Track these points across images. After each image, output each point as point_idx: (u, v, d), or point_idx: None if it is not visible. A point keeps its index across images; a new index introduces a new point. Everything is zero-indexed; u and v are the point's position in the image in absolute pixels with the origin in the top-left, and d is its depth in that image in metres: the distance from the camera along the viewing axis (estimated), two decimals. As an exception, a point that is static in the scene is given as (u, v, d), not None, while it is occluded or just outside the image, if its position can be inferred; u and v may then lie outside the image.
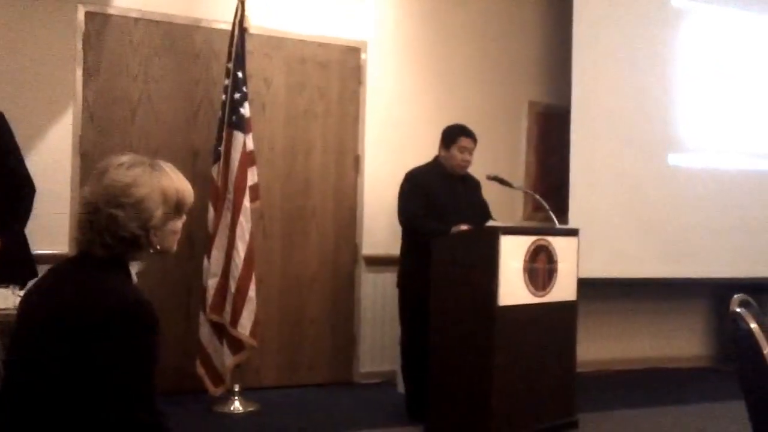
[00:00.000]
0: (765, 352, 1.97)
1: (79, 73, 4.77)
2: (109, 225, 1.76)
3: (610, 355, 6.24)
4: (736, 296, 2.30)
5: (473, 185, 4.82)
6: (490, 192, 4.92)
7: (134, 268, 1.86)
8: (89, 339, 1.65)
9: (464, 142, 4.61)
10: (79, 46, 4.77)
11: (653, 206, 5.99)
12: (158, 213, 1.80)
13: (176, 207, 1.86)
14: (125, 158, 1.84)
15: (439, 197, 4.56)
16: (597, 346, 6.06)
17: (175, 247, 1.91)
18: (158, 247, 1.85)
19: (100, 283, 1.74)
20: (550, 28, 6.22)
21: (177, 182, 1.87)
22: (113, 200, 1.76)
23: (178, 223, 1.89)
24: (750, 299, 2.30)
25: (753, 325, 2.02)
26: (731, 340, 2.27)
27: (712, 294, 6.64)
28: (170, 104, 5.02)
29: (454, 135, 4.64)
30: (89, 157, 4.71)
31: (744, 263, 6.21)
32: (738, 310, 2.14)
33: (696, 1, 6.16)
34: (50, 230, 4.51)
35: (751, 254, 6.24)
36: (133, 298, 1.74)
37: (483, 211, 4.74)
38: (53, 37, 4.71)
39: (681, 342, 6.61)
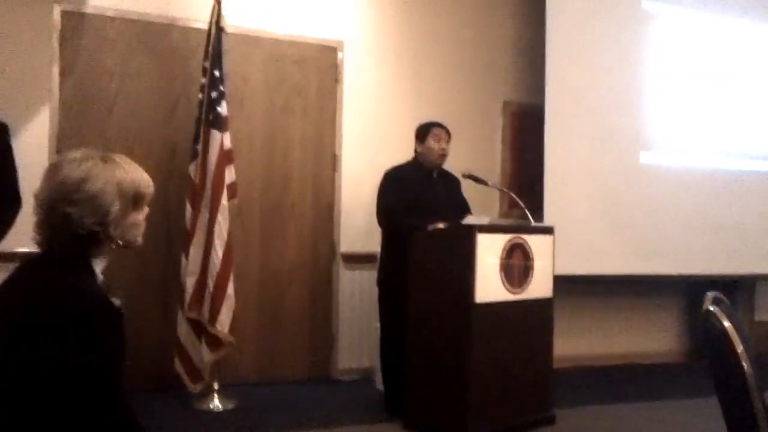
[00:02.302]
0: (739, 350, 1.99)
1: (55, 71, 4.76)
2: (65, 223, 1.72)
3: (585, 351, 6.31)
4: (709, 294, 2.32)
5: (452, 183, 4.86)
6: (466, 190, 4.96)
7: (98, 266, 1.81)
8: (47, 339, 1.62)
9: (437, 131, 4.68)
10: (56, 44, 4.76)
11: (626, 204, 6.07)
12: (115, 207, 1.75)
13: (134, 199, 1.81)
14: (77, 154, 1.79)
15: (418, 195, 4.59)
16: (573, 343, 6.13)
17: (140, 240, 1.87)
18: (120, 242, 1.80)
19: (58, 282, 1.70)
20: (524, 28, 6.28)
21: (132, 173, 1.81)
22: (67, 197, 1.72)
23: (139, 215, 1.84)
24: (723, 297, 2.34)
25: (727, 324, 2.02)
26: (704, 337, 2.31)
27: (686, 291, 6.74)
28: (147, 102, 5.01)
29: (426, 127, 4.72)
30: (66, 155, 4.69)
31: (716, 260, 6.31)
32: (711, 308, 2.16)
33: (666, 4, 6.24)
34: (25, 228, 4.48)
35: (722, 251, 6.34)
36: (90, 296, 1.69)
37: (462, 209, 4.78)
38: (30, 37, 4.70)
39: (655, 338, 6.70)
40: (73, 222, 1.72)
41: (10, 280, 1.78)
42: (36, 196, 1.77)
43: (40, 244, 1.78)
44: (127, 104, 4.96)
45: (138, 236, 1.86)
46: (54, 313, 1.64)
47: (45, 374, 1.63)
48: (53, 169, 1.78)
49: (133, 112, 4.97)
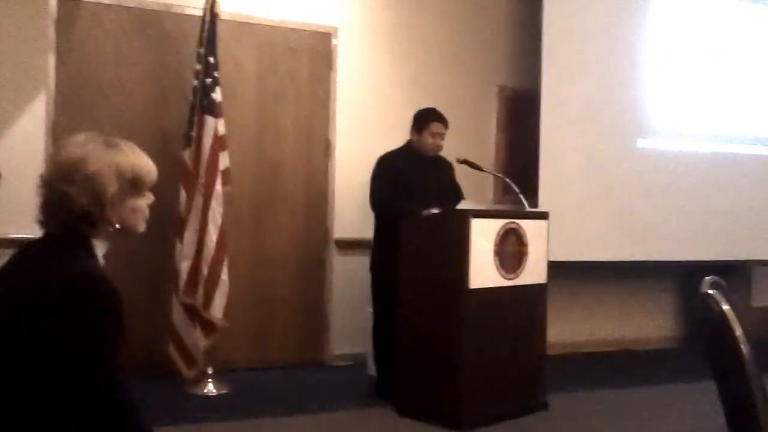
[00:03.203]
0: (737, 334, 1.99)
1: (51, 58, 4.74)
2: (62, 201, 1.73)
3: (579, 337, 6.33)
4: (707, 278, 2.33)
5: (445, 168, 4.84)
6: (460, 175, 4.95)
7: (100, 249, 1.82)
8: (45, 318, 1.64)
9: (435, 127, 4.64)
10: (51, 31, 4.74)
11: (622, 189, 6.07)
12: (111, 189, 1.76)
13: (132, 183, 1.81)
14: (81, 136, 1.81)
15: (410, 180, 4.59)
16: (567, 329, 6.15)
17: (141, 227, 1.87)
18: (118, 226, 1.81)
19: (60, 262, 1.72)
20: (519, 13, 6.25)
21: (133, 158, 1.82)
22: (65, 177, 1.73)
23: (140, 202, 1.84)
24: (721, 281, 2.34)
25: (725, 307, 2.02)
26: (701, 321, 2.31)
27: (680, 276, 6.75)
28: (142, 88, 5.00)
29: (425, 120, 4.66)
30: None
31: (711, 246, 6.31)
32: (709, 291, 2.16)
33: (664, -14, 6.22)
34: (22, 214, 4.46)
35: (718, 237, 6.33)
36: (87, 274, 1.71)
37: (455, 194, 4.78)
38: (25, 24, 4.68)
39: (649, 323, 6.72)
40: (69, 201, 1.73)
41: (13, 261, 1.80)
42: (41, 176, 1.79)
43: (42, 223, 1.80)
44: (122, 91, 4.94)
45: (139, 223, 1.87)
46: (55, 292, 1.66)
47: (46, 353, 1.64)
48: (56, 149, 1.81)
49: (128, 99, 4.96)
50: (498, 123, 6.24)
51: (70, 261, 1.72)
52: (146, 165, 1.86)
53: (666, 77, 6.21)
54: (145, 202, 1.86)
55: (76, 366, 1.65)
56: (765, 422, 1.96)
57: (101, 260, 1.83)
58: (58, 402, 1.65)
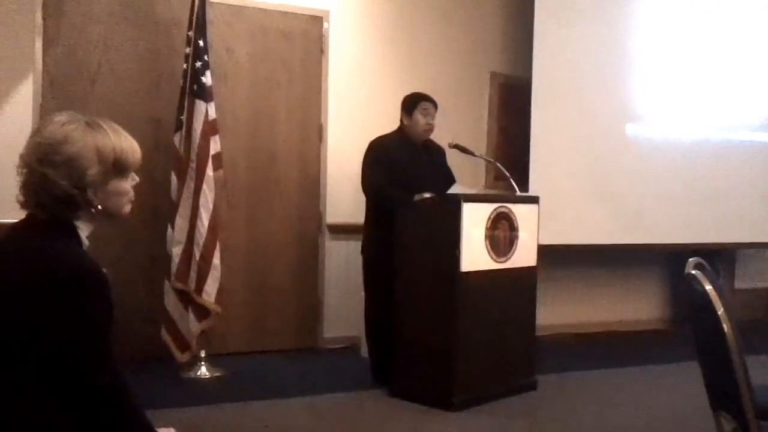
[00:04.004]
0: (719, 312, 2.03)
1: (38, 43, 4.72)
2: (43, 184, 1.71)
3: (568, 319, 6.39)
4: (691, 259, 2.38)
5: (437, 153, 4.86)
6: (453, 161, 4.97)
7: (84, 231, 1.79)
8: (36, 306, 1.63)
9: (425, 105, 4.66)
10: (39, 16, 4.71)
11: (611, 175, 6.11)
12: (92, 171, 1.73)
13: (115, 166, 1.77)
14: (61, 117, 1.77)
15: (402, 165, 4.61)
16: (556, 311, 6.21)
17: (126, 210, 1.84)
18: (100, 208, 1.77)
19: (44, 248, 1.70)
20: (512, 0, 6.26)
21: (115, 140, 1.78)
22: (44, 158, 1.71)
23: (123, 184, 1.81)
24: (704, 262, 2.39)
25: (708, 287, 2.06)
26: (686, 302, 2.35)
27: (668, 260, 6.81)
28: (131, 73, 4.98)
29: (414, 101, 4.69)
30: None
31: (698, 230, 6.38)
32: (693, 272, 2.20)
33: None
34: (11, 199, 4.47)
35: (704, 221, 6.41)
36: (78, 262, 1.70)
37: (447, 179, 4.80)
38: (12, 8, 4.65)
39: (637, 306, 6.79)
40: (49, 184, 1.71)
41: None
42: (21, 156, 1.76)
43: (23, 204, 1.77)
44: (111, 76, 4.92)
45: (123, 205, 1.83)
46: (41, 277, 1.65)
47: (37, 342, 1.64)
48: (37, 130, 1.78)
49: (117, 84, 4.94)
50: (490, 109, 6.26)
51: (56, 250, 1.70)
52: (129, 146, 1.82)
53: (655, 65, 6.24)
54: (129, 184, 1.84)
55: (69, 353, 1.65)
56: (747, 400, 2.00)
57: (86, 242, 1.80)
58: (50, 388, 1.66)
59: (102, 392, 1.68)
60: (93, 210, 1.77)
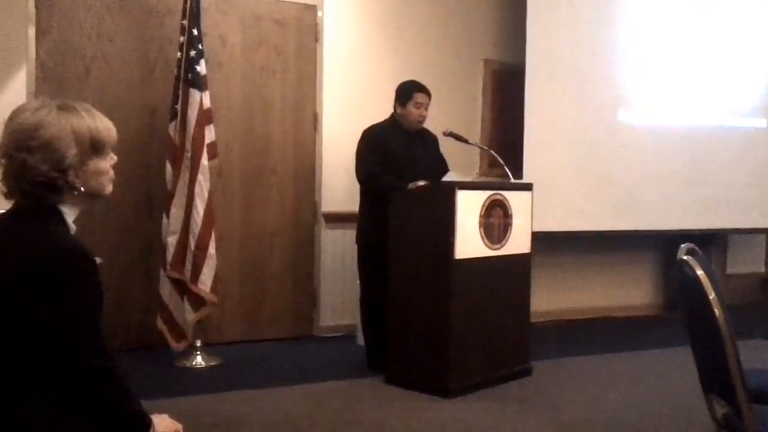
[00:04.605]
0: (711, 297, 2.04)
1: (31, 31, 4.70)
2: (23, 171, 1.72)
3: (562, 305, 6.43)
4: (683, 245, 2.40)
5: (430, 141, 4.88)
6: (447, 148, 4.99)
7: (70, 216, 1.81)
8: (27, 291, 1.66)
9: (419, 97, 4.67)
10: (31, 5, 4.69)
11: (604, 161, 6.14)
12: (71, 153, 1.74)
13: (92, 145, 1.79)
14: (33, 102, 1.79)
15: (396, 153, 4.62)
16: (550, 297, 6.25)
17: (107, 190, 1.86)
18: (83, 189, 1.79)
19: (31, 233, 1.71)
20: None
21: (89, 121, 1.79)
22: (21, 144, 1.72)
23: (102, 163, 1.82)
24: (696, 248, 2.41)
25: (700, 272, 2.08)
26: (678, 286, 2.37)
27: (660, 246, 6.86)
28: (125, 62, 4.97)
29: (409, 91, 4.69)
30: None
31: (690, 215, 6.43)
32: (685, 257, 2.22)
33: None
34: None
35: (697, 206, 6.45)
36: (66, 245, 1.72)
37: (440, 167, 4.81)
38: (5, -4, 4.63)
39: (630, 292, 6.84)
40: (29, 170, 1.73)
41: None
42: None
43: (6, 195, 1.79)
44: (104, 65, 4.91)
45: (105, 185, 1.85)
46: (31, 268, 1.67)
47: (27, 326, 1.66)
48: (10, 118, 1.78)
49: (110, 73, 4.93)
50: (484, 96, 6.27)
51: (43, 235, 1.72)
52: (104, 126, 1.83)
53: (648, 51, 6.26)
54: (108, 163, 1.85)
55: (59, 336, 1.67)
56: (738, 383, 2.02)
57: (72, 227, 1.82)
58: (42, 372, 1.68)
59: (93, 374, 1.71)
60: (76, 192, 1.79)
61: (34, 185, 1.73)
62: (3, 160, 1.76)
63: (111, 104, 4.84)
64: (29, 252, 1.68)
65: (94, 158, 1.80)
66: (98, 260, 1.77)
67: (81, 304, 1.70)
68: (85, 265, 1.71)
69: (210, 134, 4.69)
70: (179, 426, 1.92)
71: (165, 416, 1.91)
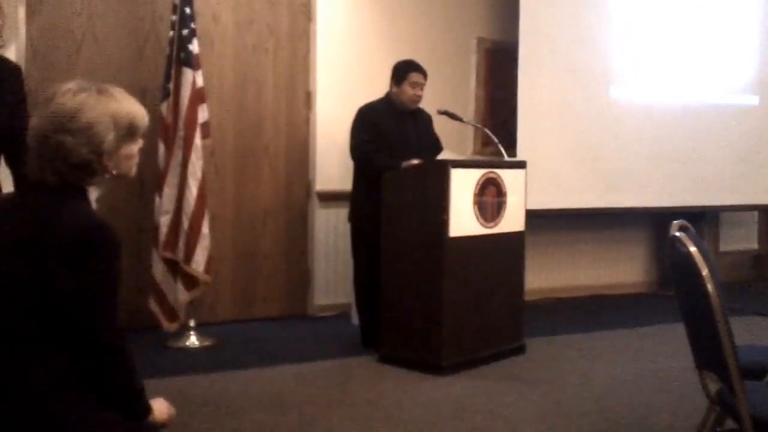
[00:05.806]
0: (703, 274, 2.05)
1: (22, 10, 4.65)
2: (59, 152, 1.74)
3: (555, 283, 6.45)
4: (675, 222, 2.41)
5: (424, 120, 4.86)
6: (440, 127, 4.98)
7: (93, 195, 1.84)
8: (54, 265, 1.67)
9: (415, 77, 4.65)
10: (21, -18, 4.65)
11: (596, 138, 6.14)
12: (109, 137, 1.78)
13: (128, 130, 1.83)
14: (71, 85, 1.81)
15: (390, 132, 4.61)
16: (544, 275, 6.26)
17: (133, 172, 1.91)
18: (114, 172, 1.83)
19: (60, 209, 1.73)
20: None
21: (126, 105, 1.84)
22: (60, 127, 1.74)
23: (133, 147, 1.87)
24: (689, 225, 2.42)
25: (692, 249, 2.09)
26: (670, 262, 2.38)
27: (652, 223, 6.87)
28: (116, 41, 4.93)
29: (404, 71, 4.67)
30: (34, 95, 4.61)
31: (683, 192, 6.45)
32: (677, 234, 2.23)
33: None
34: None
35: (689, 184, 6.48)
36: (97, 222, 1.74)
37: (434, 146, 4.81)
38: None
39: (623, 269, 6.86)
40: (67, 151, 1.75)
41: (6, 212, 1.81)
42: (31, 127, 1.79)
43: (31, 173, 1.80)
44: (95, 44, 4.87)
45: (132, 168, 1.90)
46: (61, 238, 1.68)
47: (52, 299, 1.67)
48: (47, 100, 1.79)
49: (101, 52, 4.89)
50: (477, 74, 6.25)
51: (73, 211, 1.74)
52: (139, 111, 1.88)
53: (640, 29, 6.25)
54: (137, 147, 1.89)
55: (81, 311, 1.69)
56: (731, 360, 2.04)
57: (94, 205, 1.85)
58: (55, 344, 1.70)
59: (108, 350, 1.74)
60: (108, 176, 1.83)
61: (70, 166, 1.76)
62: (34, 141, 1.77)
63: (102, 83, 4.78)
64: (58, 226, 1.70)
65: (127, 143, 1.84)
66: None
67: (106, 280, 1.74)
68: (114, 243, 1.76)
69: (203, 113, 4.66)
70: (173, 410, 1.95)
71: (160, 399, 1.94)
